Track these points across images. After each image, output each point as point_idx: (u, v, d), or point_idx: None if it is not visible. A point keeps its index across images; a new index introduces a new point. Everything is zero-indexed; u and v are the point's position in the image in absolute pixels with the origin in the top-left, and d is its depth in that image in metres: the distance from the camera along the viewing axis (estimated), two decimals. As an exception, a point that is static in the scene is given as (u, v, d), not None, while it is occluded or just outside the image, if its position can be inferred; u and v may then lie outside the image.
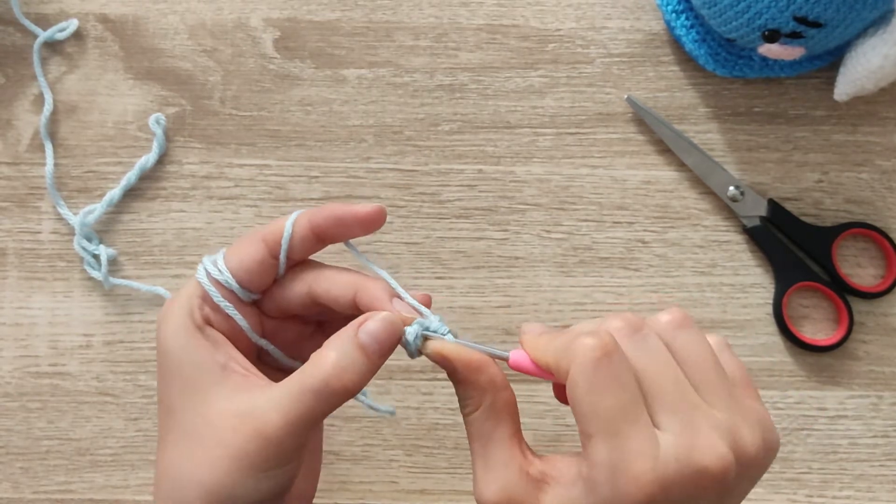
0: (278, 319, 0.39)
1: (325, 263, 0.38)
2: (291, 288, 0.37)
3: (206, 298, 0.36)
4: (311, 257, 0.38)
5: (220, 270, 0.36)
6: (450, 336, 0.35)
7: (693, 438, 0.30)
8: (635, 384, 0.30)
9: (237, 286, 0.36)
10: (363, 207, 0.36)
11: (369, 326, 0.34)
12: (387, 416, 0.49)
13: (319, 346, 0.35)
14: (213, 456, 0.33)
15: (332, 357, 0.33)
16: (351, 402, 0.51)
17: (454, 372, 0.34)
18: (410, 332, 0.34)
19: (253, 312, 0.38)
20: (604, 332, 0.31)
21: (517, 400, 0.34)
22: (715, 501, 0.31)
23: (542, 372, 0.33)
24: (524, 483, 0.32)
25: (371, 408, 0.42)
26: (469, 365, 0.33)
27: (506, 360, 0.34)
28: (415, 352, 0.35)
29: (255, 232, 0.37)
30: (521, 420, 0.48)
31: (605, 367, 0.30)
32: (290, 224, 0.36)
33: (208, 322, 0.36)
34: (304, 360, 0.35)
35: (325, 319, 0.40)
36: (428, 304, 0.36)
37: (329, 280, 0.36)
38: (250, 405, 0.33)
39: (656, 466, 0.29)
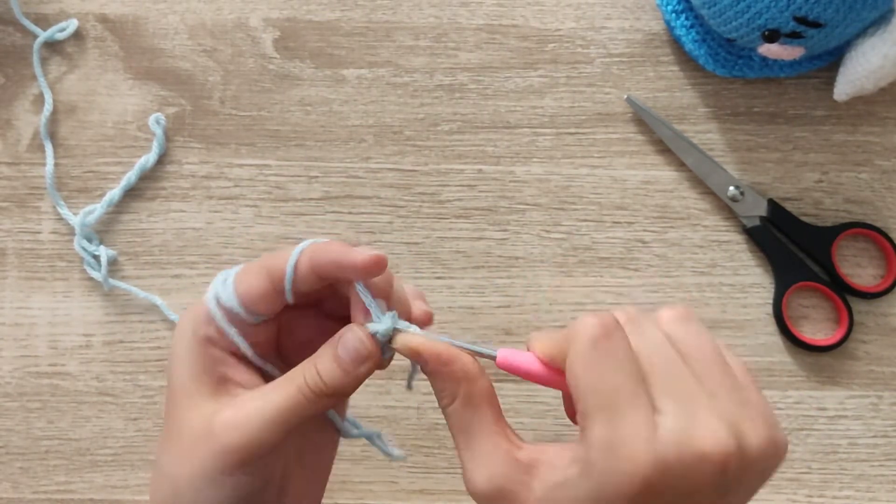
0: (298, 310, 0.38)
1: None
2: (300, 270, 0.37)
3: (212, 319, 0.36)
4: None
5: (228, 296, 0.36)
6: (415, 329, 0.34)
7: (692, 423, 0.29)
8: (635, 365, 0.30)
9: (244, 313, 0.36)
10: (361, 257, 0.34)
11: (345, 341, 0.34)
12: (389, 456, 0.47)
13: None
14: (182, 460, 0.34)
15: (314, 362, 0.34)
16: (351, 402, 0.51)
17: (425, 364, 0.34)
18: (374, 327, 0.34)
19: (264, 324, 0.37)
20: (605, 313, 0.30)
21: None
22: (714, 497, 0.29)
23: (537, 369, 0.33)
24: (513, 469, 0.31)
25: (384, 452, 0.42)
26: (439, 357, 0.33)
27: (493, 358, 0.34)
28: (385, 348, 0.35)
29: (262, 262, 0.36)
30: (521, 420, 0.48)
31: (604, 345, 0.30)
32: (291, 265, 0.35)
33: (211, 341, 0.36)
34: None
35: (343, 314, 0.39)
36: (429, 323, 0.36)
37: (321, 251, 0.36)
38: (221, 409, 0.34)
39: (653, 448, 0.28)
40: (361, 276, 0.34)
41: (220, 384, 0.36)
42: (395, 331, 0.34)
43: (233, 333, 0.36)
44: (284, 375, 0.35)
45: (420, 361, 0.34)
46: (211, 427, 0.34)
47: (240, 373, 0.36)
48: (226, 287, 0.36)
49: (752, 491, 0.31)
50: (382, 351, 0.35)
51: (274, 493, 0.36)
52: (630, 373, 0.30)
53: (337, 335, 0.35)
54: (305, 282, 0.35)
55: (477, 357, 0.34)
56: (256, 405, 0.34)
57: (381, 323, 0.34)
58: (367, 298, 0.34)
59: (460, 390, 0.33)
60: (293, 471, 0.37)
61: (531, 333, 0.34)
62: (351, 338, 0.34)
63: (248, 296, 0.35)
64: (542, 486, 0.31)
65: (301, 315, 0.38)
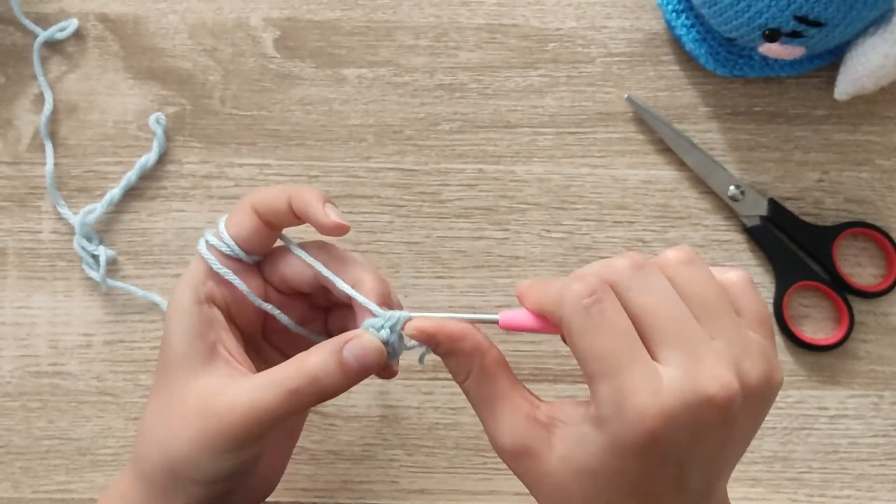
0: (286, 296, 0.40)
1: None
2: (293, 261, 0.39)
3: (209, 272, 0.38)
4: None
5: (221, 240, 0.38)
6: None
7: (696, 369, 0.30)
8: (629, 324, 0.31)
9: (238, 249, 0.38)
10: (327, 220, 0.37)
11: (354, 347, 0.35)
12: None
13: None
14: (178, 431, 0.36)
15: (312, 363, 0.35)
16: (351, 403, 0.51)
17: (438, 345, 0.35)
18: (383, 334, 0.36)
19: (258, 285, 0.39)
20: (591, 276, 0.32)
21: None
22: (720, 434, 0.31)
23: (536, 324, 0.35)
24: (533, 428, 0.34)
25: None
26: (451, 335, 0.35)
27: (496, 322, 0.36)
28: (398, 349, 0.36)
29: (244, 201, 0.38)
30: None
31: (595, 310, 0.31)
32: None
33: (211, 298, 0.38)
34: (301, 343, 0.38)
35: (331, 305, 0.42)
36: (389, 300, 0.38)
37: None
38: (219, 391, 0.36)
39: (658, 400, 0.30)
40: (323, 234, 0.37)
41: (213, 351, 0.37)
42: (408, 319, 0.36)
43: (229, 274, 0.38)
44: (284, 367, 0.36)
45: (434, 343, 0.35)
46: (213, 406, 0.35)
47: (228, 339, 0.38)
48: (219, 234, 0.38)
49: (751, 428, 0.33)
50: (388, 355, 0.36)
51: (253, 462, 0.38)
52: (624, 333, 0.31)
53: (341, 338, 0.36)
54: (286, 218, 0.38)
55: (480, 325, 0.36)
56: (259, 394, 0.35)
57: (390, 318, 0.36)
58: (371, 306, 0.36)
59: (475, 364, 0.35)
60: (269, 441, 0.39)
61: (519, 286, 0.36)
62: (358, 346, 0.35)
63: (240, 234, 0.37)
64: (561, 442, 0.33)
65: (290, 301, 0.40)
